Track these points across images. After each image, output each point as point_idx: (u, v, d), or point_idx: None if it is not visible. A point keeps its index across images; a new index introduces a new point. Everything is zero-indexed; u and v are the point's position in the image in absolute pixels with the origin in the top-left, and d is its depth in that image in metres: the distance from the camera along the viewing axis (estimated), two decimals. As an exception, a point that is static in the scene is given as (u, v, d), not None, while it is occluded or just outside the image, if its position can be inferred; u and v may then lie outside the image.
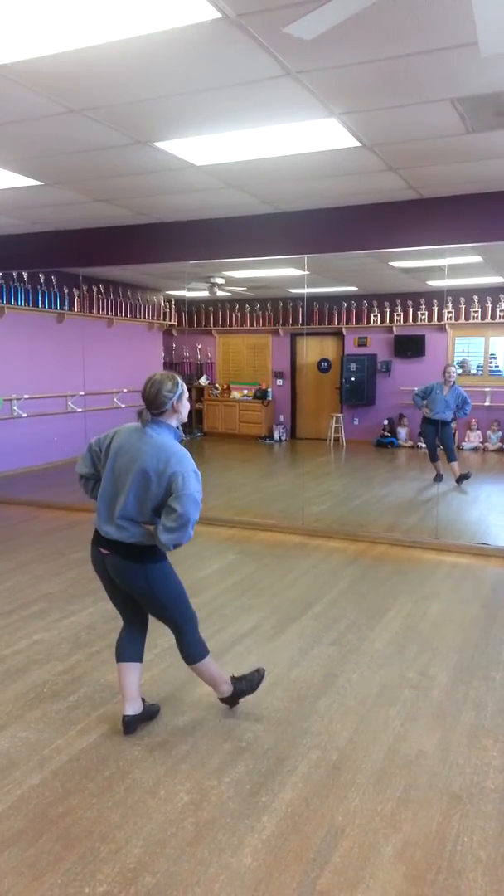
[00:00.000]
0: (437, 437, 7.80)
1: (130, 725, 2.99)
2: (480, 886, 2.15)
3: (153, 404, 2.79)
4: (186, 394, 2.86)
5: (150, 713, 3.11)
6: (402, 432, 10.31)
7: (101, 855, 2.28)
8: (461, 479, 7.92)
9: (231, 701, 3.17)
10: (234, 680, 3.16)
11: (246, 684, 3.17)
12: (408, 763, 2.80)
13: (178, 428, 2.90)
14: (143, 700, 3.09)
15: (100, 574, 3.00)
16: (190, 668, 3.07)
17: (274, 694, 3.35)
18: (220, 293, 10.23)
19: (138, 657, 3.05)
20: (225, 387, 12.43)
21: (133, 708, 3.00)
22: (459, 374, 9.56)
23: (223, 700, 3.17)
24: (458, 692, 3.37)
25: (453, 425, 8.19)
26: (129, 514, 2.80)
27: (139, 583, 2.87)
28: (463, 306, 9.52)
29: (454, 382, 7.70)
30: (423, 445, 9.92)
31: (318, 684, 3.45)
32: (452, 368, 7.84)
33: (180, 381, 2.85)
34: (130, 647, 3.05)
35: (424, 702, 3.28)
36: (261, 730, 3.04)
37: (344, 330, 10.88)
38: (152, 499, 2.76)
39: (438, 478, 7.98)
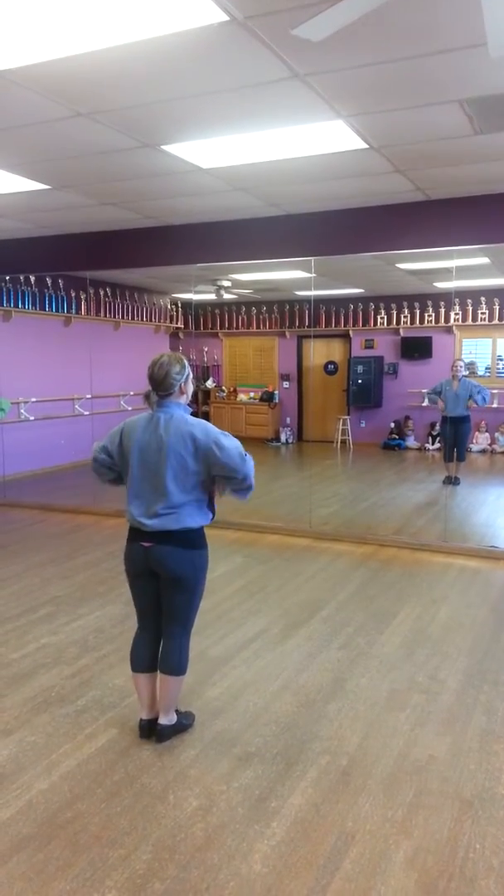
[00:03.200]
0: (454, 436, 7.77)
1: (146, 730, 2.97)
2: (493, 894, 2.12)
3: (161, 386, 2.78)
4: (192, 374, 2.89)
5: (182, 725, 3.02)
6: (410, 435, 10.28)
7: (110, 861, 2.27)
8: (450, 479, 7.93)
9: (168, 732, 2.95)
10: (178, 713, 3.03)
11: (185, 721, 3.04)
12: (418, 768, 2.78)
13: (187, 405, 2.91)
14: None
15: (135, 572, 2.89)
16: (166, 677, 2.90)
17: (282, 698, 3.33)
18: (226, 296, 10.22)
19: (155, 667, 2.96)
20: (231, 389, 12.42)
21: (151, 713, 2.98)
22: (466, 376, 9.53)
23: (161, 730, 2.93)
24: (469, 696, 3.35)
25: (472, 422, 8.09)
26: (173, 502, 2.76)
27: (186, 570, 2.81)
28: (470, 308, 9.48)
29: (462, 377, 7.66)
30: (431, 448, 9.93)
31: (326, 689, 3.43)
32: (460, 363, 7.80)
33: (186, 362, 2.85)
34: (149, 656, 2.96)
35: (434, 706, 3.26)
36: (269, 734, 3.02)
37: (351, 332, 10.86)
38: (192, 475, 2.77)
39: (449, 480, 7.94)
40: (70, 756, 2.87)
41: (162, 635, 2.96)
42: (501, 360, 9.77)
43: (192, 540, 2.85)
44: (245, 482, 2.81)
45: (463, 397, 7.58)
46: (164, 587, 2.88)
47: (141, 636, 3.00)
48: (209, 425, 2.80)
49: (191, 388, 2.90)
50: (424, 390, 8.02)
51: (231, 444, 2.77)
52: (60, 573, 5.28)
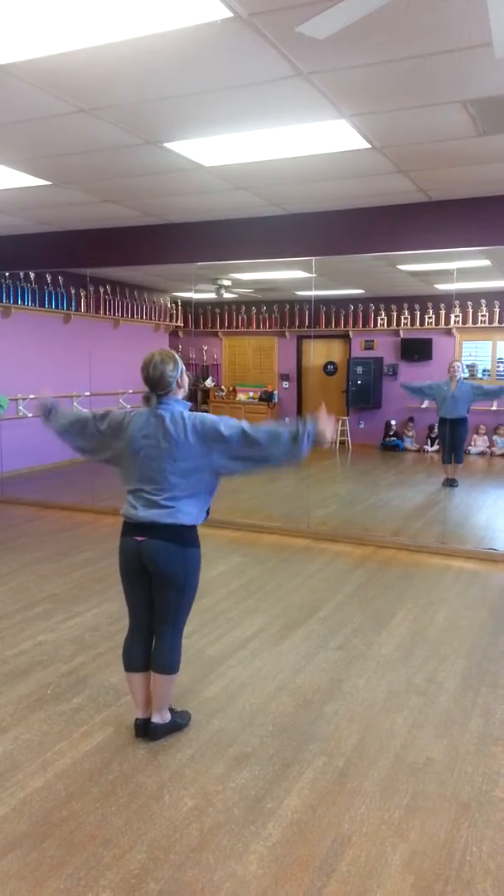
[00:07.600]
0: (452, 438, 7.71)
1: (141, 729, 2.96)
2: (489, 898, 2.11)
3: (158, 385, 2.80)
4: (184, 368, 2.89)
5: (177, 724, 3.02)
6: (410, 436, 10.27)
7: (105, 860, 2.26)
8: (450, 482, 7.90)
9: (162, 731, 2.95)
10: (173, 712, 3.03)
11: (180, 720, 3.04)
12: (415, 770, 2.76)
13: (184, 399, 2.91)
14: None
15: (127, 568, 2.87)
16: (158, 677, 2.88)
17: (279, 699, 3.32)
18: (226, 295, 10.20)
19: (148, 666, 2.93)
20: (231, 389, 12.40)
21: (146, 713, 2.97)
22: (466, 378, 9.52)
23: (155, 728, 2.93)
24: (466, 699, 3.34)
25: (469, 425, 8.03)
26: (173, 496, 2.77)
27: (177, 567, 2.78)
28: (471, 310, 9.47)
29: (461, 379, 7.62)
30: (430, 449, 9.93)
31: (323, 690, 3.42)
32: (457, 364, 7.77)
33: (177, 356, 2.86)
34: (142, 656, 2.94)
35: (432, 708, 3.25)
36: (266, 735, 3.01)
37: (350, 333, 10.85)
38: (194, 469, 2.76)
39: (447, 482, 7.92)
40: (65, 754, 2.86)
41: (153, 635, 2.94)
42: (502, 362, 9.77)
43: (185, 537, 2.83)
44: (256, 443, 2.73)
45: (461, 399, 7.53)
46: (156, 585, 2.85)
47: (132, 636, 2.98)
48: (207, 415, 2.81)
49: (187, 381, 2.90)
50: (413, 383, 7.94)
51: (220, 420, 2.78)
52: (57, 570, 5.26)
